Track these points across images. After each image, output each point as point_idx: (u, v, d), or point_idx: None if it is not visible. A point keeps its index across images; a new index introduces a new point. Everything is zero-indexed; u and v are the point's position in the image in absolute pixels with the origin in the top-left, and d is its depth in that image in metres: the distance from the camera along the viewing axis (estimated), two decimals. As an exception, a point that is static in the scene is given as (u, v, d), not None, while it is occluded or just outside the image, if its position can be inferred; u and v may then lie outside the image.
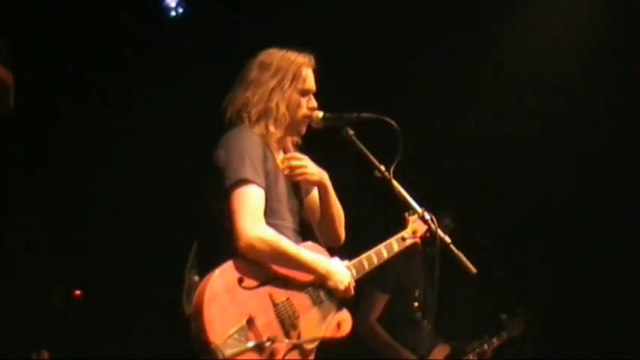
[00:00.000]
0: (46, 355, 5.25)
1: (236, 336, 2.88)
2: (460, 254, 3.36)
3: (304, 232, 3.35)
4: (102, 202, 5.94)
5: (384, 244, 3.43)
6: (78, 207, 5.93)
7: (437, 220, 3.31)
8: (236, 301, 2.95)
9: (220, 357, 2.83)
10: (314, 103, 3.35)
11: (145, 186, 5.80)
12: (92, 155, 5.88)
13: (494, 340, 5.61)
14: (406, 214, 3.49)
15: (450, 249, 3.34)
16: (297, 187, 3.36)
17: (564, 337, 6.19)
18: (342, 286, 3.20)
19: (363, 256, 3.36)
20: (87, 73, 5.76)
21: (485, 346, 5.53)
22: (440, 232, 3.30)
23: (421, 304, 3.20)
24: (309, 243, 3.30)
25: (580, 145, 6.29)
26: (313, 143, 3.44)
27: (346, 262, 3.29)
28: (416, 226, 3.47)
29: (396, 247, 3.44)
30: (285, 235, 3.17)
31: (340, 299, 3.25)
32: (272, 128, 3.23)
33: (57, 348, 5.32)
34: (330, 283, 3.19)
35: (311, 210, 3.45)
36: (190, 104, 5.73)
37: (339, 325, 3.23)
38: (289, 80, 3.28)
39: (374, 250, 3.39)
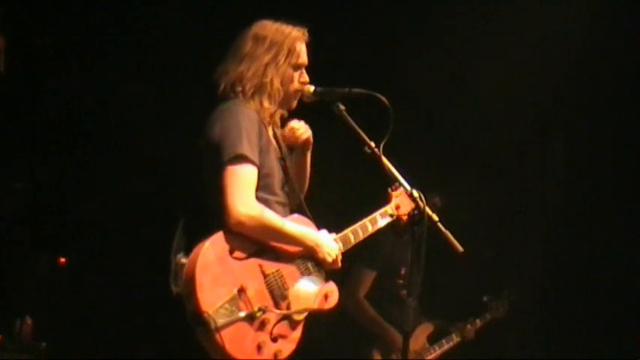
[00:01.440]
0: (29, 321, 5.27)
1: (227, 306, 2.92)
2: (448, 233, 3.36)
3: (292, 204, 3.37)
4: (88, 169, 5.92)
5: (369, 218, 3.45)
6: (64, 173, 5.91)
7: (425, 199, 3.29)
8: (227, 271, 2.99)
9: (213, 326, 2.87)
10: (306, 78, 3.37)
11: (132, 151, 5.76)
12: (79, 121, 5.84)
13: (478, 320, 5.67)
14: (389, 189, 3.50)
15: (438, 227, 3.34)
16: (285, 161, 3.37)
17: (552, 322, 6.25)
18: (329, 258, 3.24)
19: (349, 229, 3.38)
20: (79, 38, 5.69)
21: (469, 327, 5.58)
22: (428, 211, 3.29)
23: (407, 282, 3.20)
24: (296, 215, 3.32)
25: (569, 126, 6.31)
26: (303, 117, 3.44)
27: (333, 235, 3.32)
28: (399, 201, 3.48)
29: (380, 221, 3.46)
30: (275, 209, 3.21)
31: (328, 271, 3.28)
32: (266, 103, 3.26)
33: (41, 315, 5.34)
34: (319, 255, 3.23)
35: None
36: (184, 67, 5.68)
37: (326, 296, 3.26)
38: (284, 55, 3.28)
39: (359, 223, 3.42)
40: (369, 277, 5.27)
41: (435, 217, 3.36)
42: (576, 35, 5.91)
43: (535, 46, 6.06)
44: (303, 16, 3.39)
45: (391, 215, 3.47)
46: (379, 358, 5.16)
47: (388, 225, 3.49)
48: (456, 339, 5.48)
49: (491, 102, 6.06)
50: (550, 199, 6.53)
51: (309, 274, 3.23)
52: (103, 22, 5.67)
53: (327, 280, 3.29)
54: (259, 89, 3.24)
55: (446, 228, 3.36)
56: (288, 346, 3.11)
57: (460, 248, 3.35)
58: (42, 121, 5.78)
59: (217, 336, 2.88)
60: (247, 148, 3.09)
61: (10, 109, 5.50)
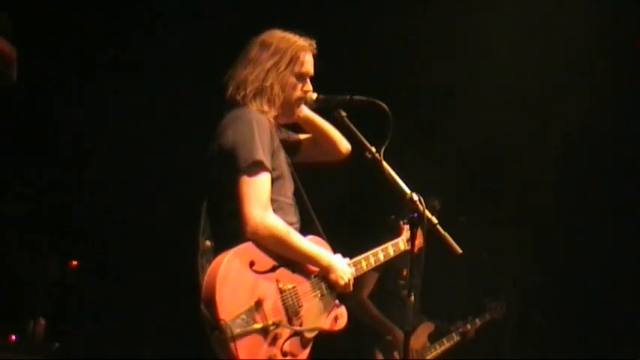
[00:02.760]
0: (42, 322, 5.34)
1: (244, 316, 2.98)
2: (446, 235, 3.41)
3: (307, 225, 3.44)
4: (97, 173, 5.99)
5: (381, 247, 3.59)
6: (74, 176, 5.99)
7: (424, 202, 3.37)
8: (246, 283, 3.04)
9: (229, 334, 2.92)
10: (309, 87, 3.43)
11: (142, 154, 5.82)
12: (91, 126, 5.91)
13: (477, 320, 5.75)
14: (401, 222, 3.67)
15: (437, 229, 3.39)
16: (292, 167, 3.45)
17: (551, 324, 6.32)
18: (342, 282, 3.33)
19: (362, 256, 3.50)
20: (90, 48, 5.78)
21: (468, 326, 5.67)
22: (427, 213, 3.35)
23: (408, 282, 3.28)
24: (313, 237, 3.40)
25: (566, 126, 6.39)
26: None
27: (347, 260, 3.42)
28: (409, 235, 3.57)
29: (392, 252, 3.63)
30: (287, 211, 3.29)
31: (339, 294, 3.37)
32: (265, 107, 3.30)
33: (53, 316, 5.41)
34: (332, 277, 3.31)
35: (306, 146, 3.58)
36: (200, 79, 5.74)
37: (336, 318, 3.36)
38: (286, 62, 3.34)
39: (372, 252, 3.55)
40: (372, 278, 5.32)
41: (435, 220, 3.41)
42: (576, 36, 5.98)
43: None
44: (304, 25, 3.47)
45: (403, 249, 3.66)
46: (381, 358, 5.22)
47: (398, 255, 3.66)
48: (456, 338, 5.56)
49: (486, 105, 6.16)
50: (545, 199, 6.59)
51: (323, 295, 3.31)
52: (112, 31, 5.76)
53: (338, 302, 3.38)
54: (259, 93, 3.30)
55: (444, 230, 3.43)
56: None
57: (459, 250, 3.40)
58: (52, 127, 5.86)
59: (232, 345, 2.92)
60: (262, 154, 3.14)
61: (20, 116, 5.58)
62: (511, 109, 6.23)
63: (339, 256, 3.40)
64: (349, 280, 3.36)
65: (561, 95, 6.21)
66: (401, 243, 3.68)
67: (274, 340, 3.06)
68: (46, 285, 5.72)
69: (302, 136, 3.62)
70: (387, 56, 6.12)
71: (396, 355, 5.17)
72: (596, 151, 6.33)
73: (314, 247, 3.31)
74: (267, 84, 3.30)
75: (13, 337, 5.23)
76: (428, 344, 5.46)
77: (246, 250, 3.09)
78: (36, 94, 5.56)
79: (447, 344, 5.51)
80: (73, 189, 5.98)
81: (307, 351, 3.21)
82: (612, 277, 6.24)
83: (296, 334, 3.14)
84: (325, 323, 3.31)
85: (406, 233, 3.64)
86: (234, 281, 3.01)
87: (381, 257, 3.58)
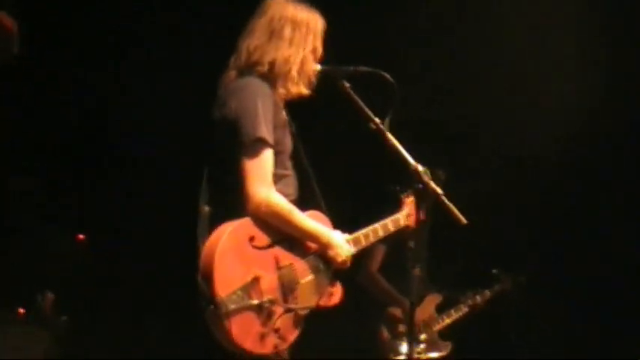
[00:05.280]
0: (50, 296, 5.38)
1: (239, 292, 2.97)
2: (451, 205, 3.40)
3: (309, 198, 3.44)
4: (106, 149, 6.00)
5: (381, 223, 3.57)
6: (82, 152, 6.00)
7: (429, 172, 3.36)
8: (244, 259, 3.04)
9: (224, 310, 2.92)
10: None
11: (150, 129, 5.83)
12: (93, 101, 5.91)
13: (487, 292, 5.70)
14: (402, 195, 3.64)
15: (442, 200, 3.38)
16: (296, 136, 3.45)
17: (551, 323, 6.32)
18: (339, 259, 3.33)
19: (361, 232, 3.48)
20: (93, 22, 5.77)
21: (478, 297, 5.62)
22: (432, 184, 3.35)
23: (413, 254, 3.28)
24: (315, 212, 3.40)
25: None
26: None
27: (346, 236, 3.42)
28: (410, 209, 3.62)
29: (391, 228, 3.60)
30: (289, 184, 3.31)
31: (336, 270, 3.37)
32: (289, 87, 3.32)
33: (61, 290, 5.45)
34: (330, 253, 3.31)
35: None
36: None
37: (331, 295, 3.37)
38: (315, 47, 3.39)
39: (371, 227, 3.53)
40: (380, 251, 5.35)
41: (439, 191, 3.39)
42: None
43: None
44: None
45: (403, 224, 3.64)
46: (387, 335, 5.24)
47: (399, 230, 3.63)
48: (464, 309, 5.53)
49: (489, 81, 6.13)
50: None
51: (319, 271, 3.32)
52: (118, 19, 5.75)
53: (334, 279, 3.38)
54: (285, 74, 3.31)
55: (449, 201, 3.42)
56: (288, 339, 3.17)
57: (464, 220, 3.39)
58: (58, 101, 5.87)
59: (226, 320, 2.93)
60: (265, 130, 3.15)
61: (28, 88, 5.59)
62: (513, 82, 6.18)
63: (338, 232, 3.40)
64: (347, 258, 3.36)
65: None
66: (401, 218, 3.65)
67: (268, 317, 3.06)
68: (54, 259, 5.75)
69: None
70: (393, 29, 6.07)
71: (401, 328, 5.17)
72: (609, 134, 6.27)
73: (314, 224, 3.31)
74: (303, 69, 3.34)
75: (21, 311, 5.28)
76: (435, 315, 5.44)
77: (246, 224, 3.10)
78: (47, 66, 5.55)
79: (455, 315, 5.49)
80: (82, 163, 5.99)
81: (300, 326, 3.22)
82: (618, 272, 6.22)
83: (289, 311, 3.15)
84: (320, 300, 3.31)
85: (407, 208, 3.63)
86: (233, 256, 3.01)
87: (381, 233, 3.57)
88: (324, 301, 3.34)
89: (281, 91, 3.32)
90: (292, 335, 3.19)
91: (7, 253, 5.55)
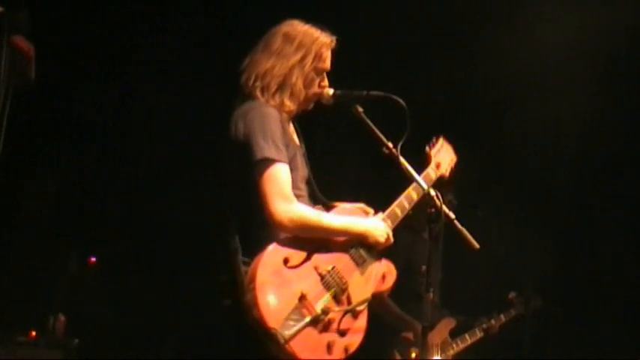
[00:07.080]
0: (62, 318, 5.38)
1: (292, 317, 2.98)
2: (464, 230, 3.40)
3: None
4: (117, 170, 6.02)
5: (412, 185, 3.48)
6: (96, 175, 6.02)
7: (441, 197, 3.35)
8: (285, 283, 3.03)
9: (282, 340, 2.92)
10: (326, 82, 3.43)
11: (162, 152, 5.84)
12: (110, 124, 5.94)
13: (502, 316, 5.66)
14: (427, 147, 3.66)
15: (454, 224, 3.38)
16: (306, 156, 3.45)
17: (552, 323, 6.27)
18: (381, 240, 3.33)
19: (395, 204, 3.46)
20: (108, 43, 5.81)
21: (493, 322, 5.58)
22: (444, 208, 3.33)
23: (426, 278, 3.26)
24: (340, 206, 3.39)
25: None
26: (324, 119, 3.51)
27: (380, 215, 3.41)
28: (439, 158, 3.66)
29: (424, 185, 3.45)
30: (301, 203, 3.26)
31: (380, 251, 3.37)
32: (288, 102, 3.30)
33: (73, 312, 5.45)
34: (370, 240, 3.31)
35: None
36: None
37: (383, 277, 3.37)
38: (311, 59, 3.34)
39: (403, 195, 3.48)
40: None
41: (452, 215, 3.40)
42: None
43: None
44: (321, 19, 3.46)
45: (435, 177, 3.62)
46: (399, 358, 5.17)
47: (435, 181, 3.61)
48: (479, 334, 5.47)
49: (499, 98, 6.13)
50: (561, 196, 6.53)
51: (364, 261, 3.30)
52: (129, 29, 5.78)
53: (379, 259, 3.36)
54: (282, 87, 3.29)
55: (462, 225, 3.41)
56: (356, 337, 3.18)
57: (476, 245, 3.39)
58: (72, 124, 5.90)
59: (287, 347, 2.93)
60: (274, 149, 3.13)
61: (40, 113, 5.62)
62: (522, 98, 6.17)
63: (371, 215, 3.39)
64: (388, 236, 3.35)
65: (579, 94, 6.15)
66: (431, 172, 3.64)
67: (328, 325, 3.07)
68: (66, 282, 5.76)
69: None
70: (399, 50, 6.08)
71: (413, 353, 5.12)
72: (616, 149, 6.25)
73: (344, 219, 3.29)
74: (292, 80, 3.30)
75: (34, 333, 5.28)
76: (449, 340, 5.37)
77: (274, 251, 3.07)
78: (54, 91, 5.57)
79: (469, 340, 5.43)
80: (92, 186, 6.00)
81: (363, 319, 3.23)
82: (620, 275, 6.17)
83: (347, 312, 3.15)
84: (373, 288, 3.31)
85: (434, 159, 3.67)
86: (272, 286, 2.99)
87: (415, 196, 3.48)
88: (378, 287, 3.33)
89: (282, 108, 3.30)
90: (360, 331, 3.20)
91: (20, 275, 5.55)
